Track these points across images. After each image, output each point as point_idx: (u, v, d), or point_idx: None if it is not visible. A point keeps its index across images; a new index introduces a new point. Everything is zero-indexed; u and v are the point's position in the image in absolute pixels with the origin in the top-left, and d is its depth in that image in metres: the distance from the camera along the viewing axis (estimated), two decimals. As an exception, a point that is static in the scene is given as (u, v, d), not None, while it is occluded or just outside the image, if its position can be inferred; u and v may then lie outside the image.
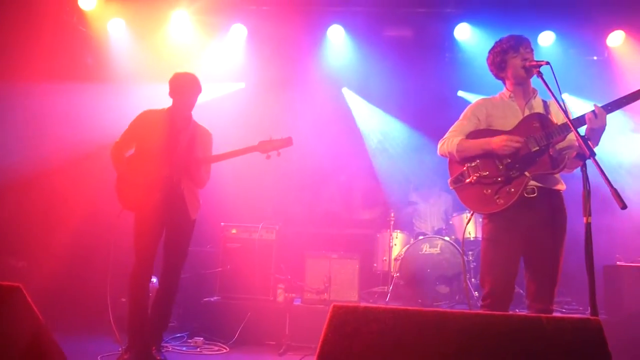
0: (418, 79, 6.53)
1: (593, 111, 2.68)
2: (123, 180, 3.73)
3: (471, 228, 5.66)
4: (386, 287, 5.51)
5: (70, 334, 4.42)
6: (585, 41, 6.18)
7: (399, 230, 5.90)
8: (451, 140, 3.04)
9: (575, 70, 6.04)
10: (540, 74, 2.78)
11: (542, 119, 2.88)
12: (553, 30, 6.04)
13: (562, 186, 2.96)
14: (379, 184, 6.64)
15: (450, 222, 5.97)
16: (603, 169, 2.29)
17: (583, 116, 2.71)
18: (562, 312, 5.05)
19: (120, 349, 3.64)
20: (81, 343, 4.26)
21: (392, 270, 5.59)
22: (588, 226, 2.32)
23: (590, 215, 2.33)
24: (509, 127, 2.95)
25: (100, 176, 4.99)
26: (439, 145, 3.13)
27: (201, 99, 3.90)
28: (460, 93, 6.90)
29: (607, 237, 4.83)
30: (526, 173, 2.84)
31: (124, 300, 4.40)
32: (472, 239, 5.60)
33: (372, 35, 6.26)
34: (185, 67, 3.95)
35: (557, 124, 2.84)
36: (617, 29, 5.96)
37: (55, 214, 5.40)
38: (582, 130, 2.69)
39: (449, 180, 3.06)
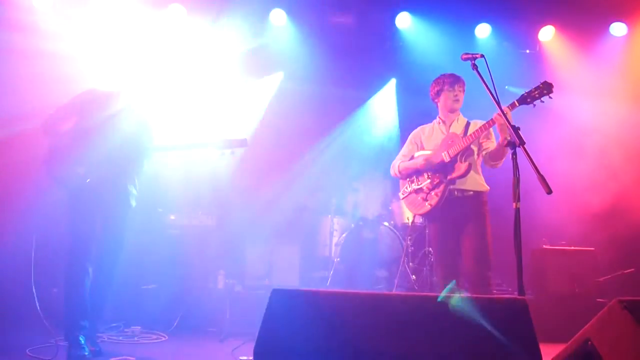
0: (359, 66, 6.58)
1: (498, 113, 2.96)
2: (59, 153, 3.51)
3: (409, 214, 5.80)
4: (327, 272, 5.58)
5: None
6: (519, 34, 6.41)
7: (339, 216, 5.97)
8: (396, 165, 3.85)
9: (509, 62, 6.28)
10: (475, 67, 2.98)
11: (455, 138, 3.53)
12: (489, 23, 6.24)
13: (482, 187, 3.55)
14: (320, 170, 6.65)
15: (390, 208, 6.09)
16: (531, 156, 2.40)
17: (491, 119, 3.24)
18: (493, 293, 5.30)
19: (53, 341, 3.46)
20: (5, 336, 4.01)
21: (333, 255, 5.66)
22: (517, 211, 2.43)
23: (519, 200, 2.45)
24: (435, 147, 3.65)
25: (16, 158, 4.65)
26: (390, 169, 3.89)
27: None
28: (393, 81, 7.03)
29: (535, 222, 5.09)
30: (444, 179, 3.50)
31: (55, 290, 4.21)
32: (409, 224, 5.74)
33: (315, 21, 6.22)
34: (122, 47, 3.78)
35: (464, 142, 3.44)
36: (548, 24, 6.23)
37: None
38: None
39: (399, 193, 3.86)
